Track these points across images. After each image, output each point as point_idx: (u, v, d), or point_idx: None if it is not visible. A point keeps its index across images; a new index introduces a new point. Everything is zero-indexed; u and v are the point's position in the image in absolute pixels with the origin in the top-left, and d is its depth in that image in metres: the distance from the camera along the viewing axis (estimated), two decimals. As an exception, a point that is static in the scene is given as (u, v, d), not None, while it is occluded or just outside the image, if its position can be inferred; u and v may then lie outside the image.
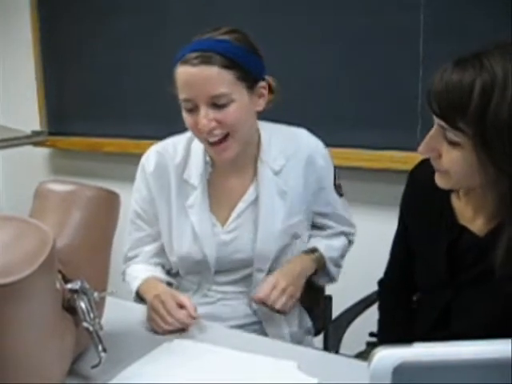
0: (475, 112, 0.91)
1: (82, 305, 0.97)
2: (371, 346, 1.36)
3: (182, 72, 1.20)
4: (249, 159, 1.33)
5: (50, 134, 2.76)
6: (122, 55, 2.47)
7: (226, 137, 1.22)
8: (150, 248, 1.40)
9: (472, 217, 1.10)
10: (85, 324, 0.96)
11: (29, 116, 2.77)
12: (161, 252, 1.39)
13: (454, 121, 0.93)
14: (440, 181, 1.05)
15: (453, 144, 0.96)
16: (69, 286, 0.97)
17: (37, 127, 2.76)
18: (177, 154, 1.36)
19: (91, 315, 0.98)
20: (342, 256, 1.45)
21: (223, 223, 1.33)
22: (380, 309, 1.35)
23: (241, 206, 1.32)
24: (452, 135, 0.95)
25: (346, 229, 1.46)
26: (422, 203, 1.17)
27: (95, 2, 2.50)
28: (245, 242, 1.32)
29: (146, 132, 2.45)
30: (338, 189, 1.41)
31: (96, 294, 1.01)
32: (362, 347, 1.37)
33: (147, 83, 2.42)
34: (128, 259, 1.42)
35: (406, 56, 1.81)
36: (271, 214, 1.31)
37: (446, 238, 1.12)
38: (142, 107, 2.47)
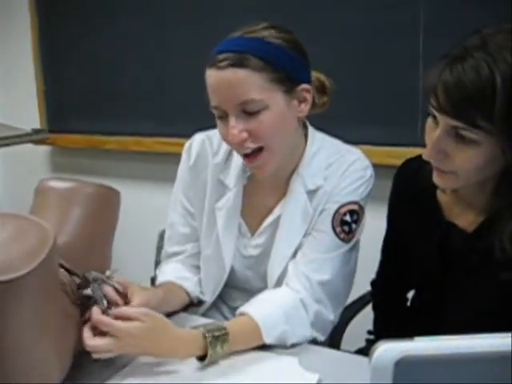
0: (502, 108, 0.86)
1: (98, 293, 0.99)
2: (371, 343, 1.36)
3: (210, 76, 1.07)
4: (288, 171, 1.20)
5: (51, 131, 2.75)
6: (122, 53, 2.46)
7: (260, 149, 1.10)
8: (195, 245, 1.30)
9: (460, 213, 1.10)
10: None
11: (29, 114, 2.76)
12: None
13: (474, 120, 0.89)
14: (445, 182, 1.01)
15: (467, 142, 0.92)
16: (85, 274, 0.98)
17: (37, 125, 2.75)
18: (219, 151, 1.25)
19: (104, 302, 0.99)
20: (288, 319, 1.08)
21: (253, 232, 1.24)
22: (374, 309, 1.35)
23: (269, 219, 1.22)
24: (469, 134, 0.91)
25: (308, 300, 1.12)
26: (410, 203, 1.16)
27: (95, 0, 2.50)
28: (266, 261, 1.22)
29: (147, 129, 2.45)
30: (340, 231, 1.15)
31: (106, 275, 1.02)
32: (362, 344, 1.37)
33: (148, 80, 2.42)
34: (169, 256, 1.31)
35: (406, 51, 1.81)
36: (288, 237, 1.18)
37: (435, 236, 1.11)
38: (142, 104, 2.46)
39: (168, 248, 1.33)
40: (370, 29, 1.87)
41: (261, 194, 1.23)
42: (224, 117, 1.08)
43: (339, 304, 1.19)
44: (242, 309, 1.09)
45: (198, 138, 1.29)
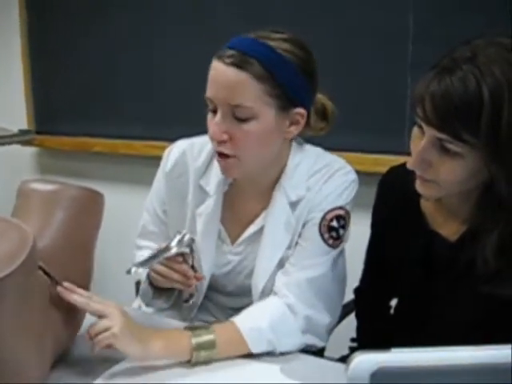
0: (487, 123, 0.86)
1: (195, 255, 1.11)
2: (354, 351, 1.35)
3: (214, 67, 1.06)
4: (270, 180, 1.19)
5: (38, 133, 2.73)
6: (111, 54, 2.46)
7: (232, 155, 1.09)
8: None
9: (443, 222, 1.10)
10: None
11: (16, 115, 2.73)
12: None
13: (460, 133, 0.89)
14: (427, 191, 1.01)
15: (451, 154, 0.92)
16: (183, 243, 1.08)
17: (24, 126, 2.73)
18: (200, 157, 1.23)
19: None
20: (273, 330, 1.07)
21: (234, 240, 1.24)
22: (357, 317, 1.35)
23: (250, 230, 1.21)
24: (453, 147, 0.91)
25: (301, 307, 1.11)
26: (394, 211, 1.16)
27: (85, 2, 2.49)
28: (245, 270, 1.23)
29: (136, 132, 2.44)
30: (328, 237, 1.14)
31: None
32: (346, 351, 1.37)
33: (137, 83, 2.41)
34: (139, 248, 1.34)
35: (395, 59, 1.81)
36: (271, 249, 1.18)
37: (419, 244, 1.11)
38: (131, 107, 2.45)
39: (139, 242, 1.35)
40: (359, 37, 1.87)
41: (242, 202, 1.23)
42: (214, 111, 1.08)
43: (334, 307, 1.18)
44: (232, 319, 1.09)
45: (179, 145, 1.28)
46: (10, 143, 2.63)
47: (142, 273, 1.25)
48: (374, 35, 1.84)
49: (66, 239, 1.04)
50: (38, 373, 0.92)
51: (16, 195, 1.09)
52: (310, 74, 1.10)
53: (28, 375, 0.89)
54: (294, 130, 1.12)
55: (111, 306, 1.00)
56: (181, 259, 1.11)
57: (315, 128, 1.20)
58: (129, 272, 1.05)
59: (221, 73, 1.04)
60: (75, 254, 1.06)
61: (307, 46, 1.10)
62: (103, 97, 2.52)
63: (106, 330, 0.97)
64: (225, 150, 1.08)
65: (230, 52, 1.04)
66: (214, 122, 1.07)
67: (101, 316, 0.99)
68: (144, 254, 1.24)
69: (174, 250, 1.08)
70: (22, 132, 2.70)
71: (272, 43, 1.05)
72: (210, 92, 1.07)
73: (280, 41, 1.06)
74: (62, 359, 1.02)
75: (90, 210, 1.08)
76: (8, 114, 2.76)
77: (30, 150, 2.83)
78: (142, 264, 1.07)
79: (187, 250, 1.10)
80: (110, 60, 2.47)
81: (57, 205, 1.04)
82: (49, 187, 1.06)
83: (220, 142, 1.07)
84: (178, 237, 1.09)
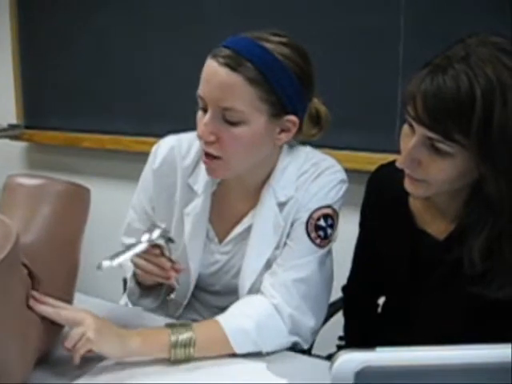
0: (479, 124, 0.86)
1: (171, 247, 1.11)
2: (341, 349, 1.35)
3: (208, 65, 1.03)
4: (259, 181, 1.17)
5: (27, 127, 2.71)
6: (101, 50, 2.44)
7: (218, 156, 1.08)
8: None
9: (432, 220, 1.10)
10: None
11: (5, 109, 2.72)
12: None
13: (450, 133, 0.88)
14: (416, 189, 1.01)
15: (442, 154, 0.92)
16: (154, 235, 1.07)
17: (13, 121, 2.72)
18: (189, 155, 1.21)
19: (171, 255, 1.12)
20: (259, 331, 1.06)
21: (221, 239, 1.22)
22: (345, 314, 1.35)
23: (238, 229, 1.20)
24: (444, 146, 0.91)
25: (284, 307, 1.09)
26: (382, 209, 1.16)
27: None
28: (233, 269, 1.22)
29: (125, 128, 2.43)
30: (315, 236, 1.12)
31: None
32: (334, 349, 1.36)
33: (127, 79, 2.40)
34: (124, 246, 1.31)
35: (386, 59, 1.81)
36: (259, 249, 1.16)
37: (407, 243, 1.11)
38: (121, 103, 2.44)
39: (124, 240, 1.31)
40: (350, 36, 1.87)
41: (230, 201, 1.21)
42: (205, 110, 1.05)
43: (319, 309, 1.16)
44: (216, 318, 1.08)
45: (167, 141, 1.25)
46: (-2, 137, 2.62)
47: (125, 268, 1.23)
48: (365, 34, 1.84)
49: (52, 234, 1.02)
50: (21, 372, 0.91)
51: (2, 189, 1.08)
52: (307, 82, 1.08)
53: (10, 374, 0.88)
54: (285, 137, 1.10)
55: (81, 311, 1.00)
56: (158, 252, 1.09)
57: (307, 134, 1.18)
58: (99, 267, 1.02)
59: (213, 72, 1.02)
60: (61, 249, 1.04)
61: (307, 53, 1.08)
62: (92, 92, 2.50)
63: (81, 337, 0.96)
64: (212, 150, 1.07)
65: (225, 51, 1.02)
66: (203, 121, 1.04)
67: (73, 324, 0.98)
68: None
69: (144, 243, 1.07)
70: (12, 126, 2.69)
71: (270, 46, 1.03)
72: (201, 90, 1.05)
73: (278, 44, 1.04)
74: (45, 358, 1.01)
75: (76, 204, 1.07)
76: (-3, 108, 2.74)
77: (19, 145, 2.81)
78: (112, 258, 1.04)
79: (161, 242, 1.08)
80: (100, 56, 2.45)
81: (42, 199, 1.03)
82: (34, 182, 1.05)
83: (207, 143, 1.06)
84: (152, 230, 1.08)
